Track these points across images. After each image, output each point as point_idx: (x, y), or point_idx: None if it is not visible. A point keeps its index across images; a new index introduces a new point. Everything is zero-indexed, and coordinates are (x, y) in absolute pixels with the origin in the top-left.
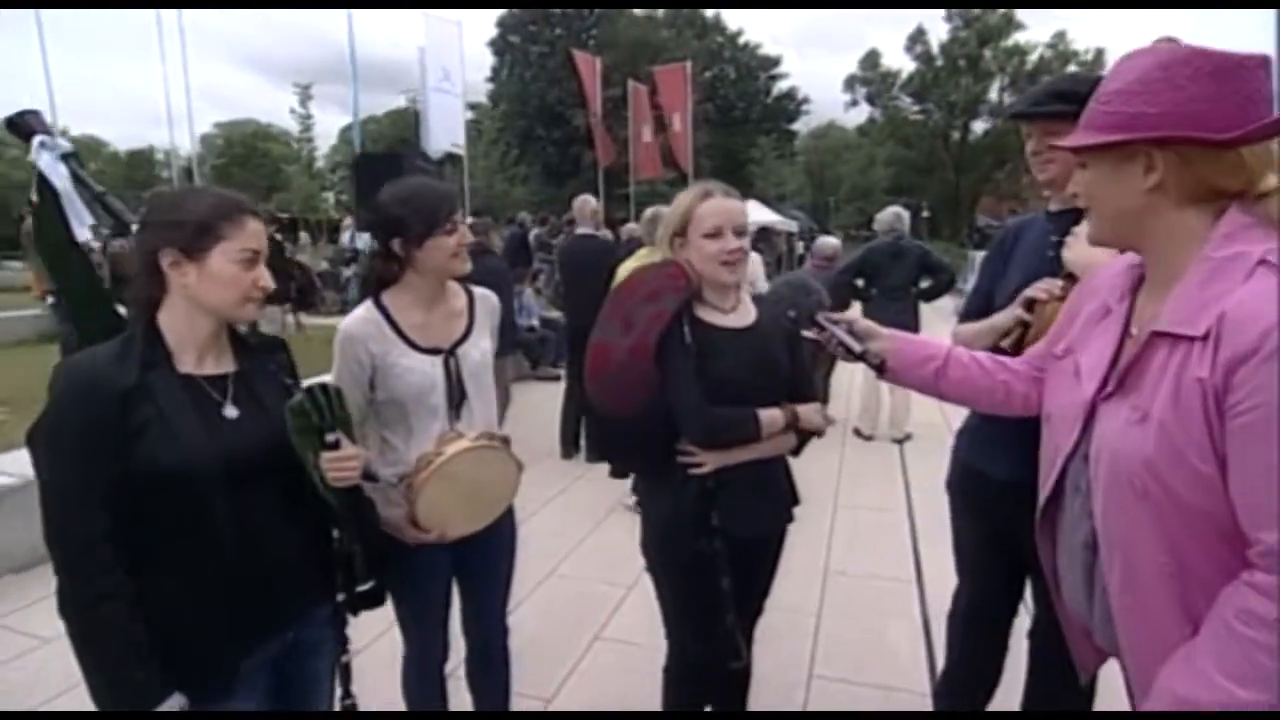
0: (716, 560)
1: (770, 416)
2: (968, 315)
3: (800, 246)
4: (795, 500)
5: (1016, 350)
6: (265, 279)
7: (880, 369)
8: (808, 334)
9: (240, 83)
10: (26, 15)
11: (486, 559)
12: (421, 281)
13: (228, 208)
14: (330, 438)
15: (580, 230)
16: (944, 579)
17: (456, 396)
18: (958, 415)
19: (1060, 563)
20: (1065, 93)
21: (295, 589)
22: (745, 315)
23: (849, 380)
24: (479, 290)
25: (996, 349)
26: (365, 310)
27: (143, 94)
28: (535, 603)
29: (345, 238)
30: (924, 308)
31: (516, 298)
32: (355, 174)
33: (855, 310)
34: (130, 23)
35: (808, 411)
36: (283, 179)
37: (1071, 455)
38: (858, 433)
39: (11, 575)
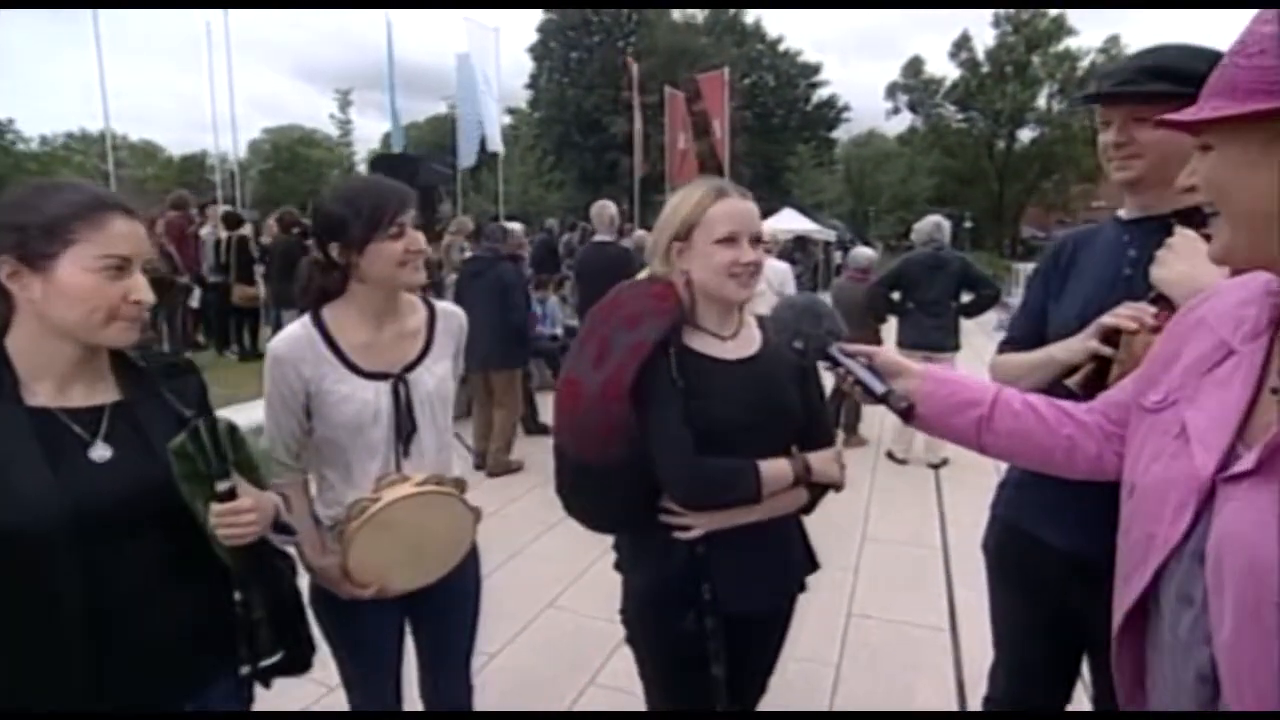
0: (708, 643)
1: (775, 470)
2: (1013, 343)
3: (838, 256)
4: (812, 564)
5: (1088, 393)
6: (139, 292)
7: (907, 414)
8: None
9: (289, 91)
10: (85, 27)
11: (444, 612)
12: (367, 294)
13: (83, 205)
14: (221, 486)
15: (598, 238)
16: (982, 630)
17: (405, 429)
18: None
19: (1153, 690)
20: (1166, 69)
21: (180, 666)
22: (747, 343)
23: None
24: (443, 306)
25: (1055, 389)
26: (299, 327)
27: (195, 100)
28: (531, 636)
29: None
30: (965, 323)
31: (541, 305)
32: (371, 174)
33: (891, 326)
34: (182, 31)
35: (822, 462)
36: (325, 184)
37: (1176, 551)
38: (890, 456)
39: None
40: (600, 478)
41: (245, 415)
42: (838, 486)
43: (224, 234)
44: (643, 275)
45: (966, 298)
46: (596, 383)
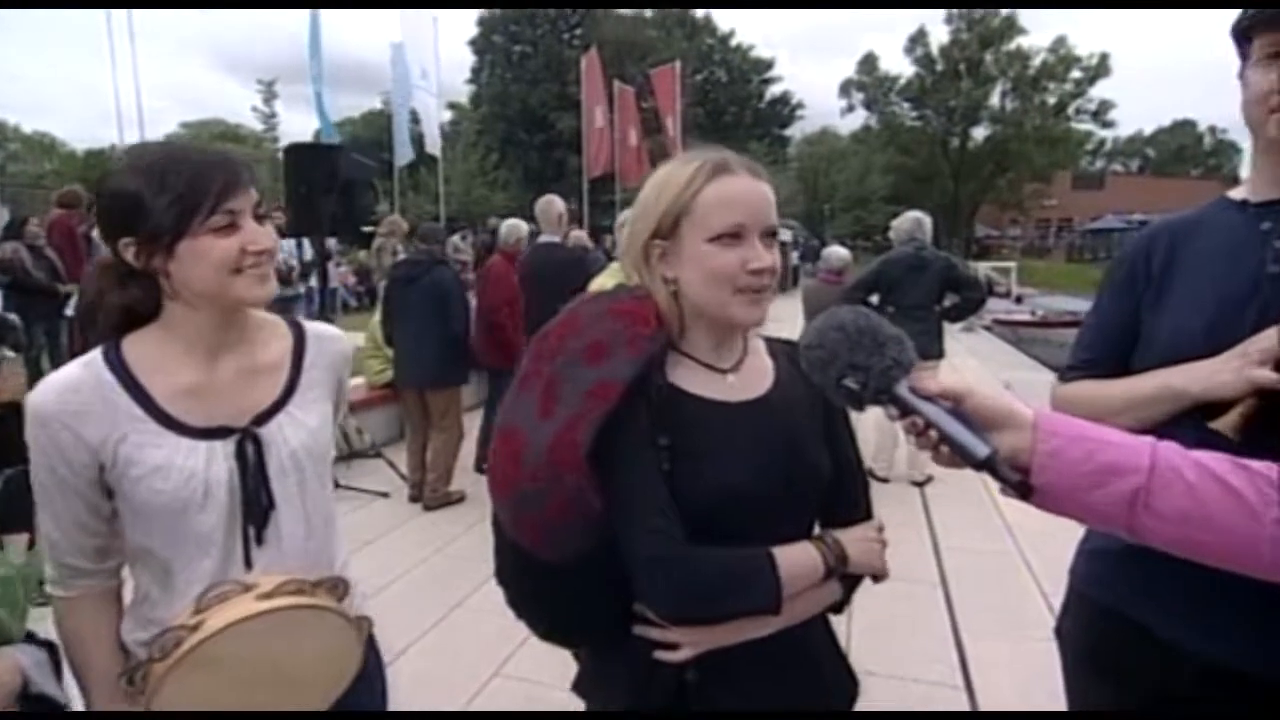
0: None
1: (798, 562)
2: (1088, 367)
3: (794, 257)
4: (852, 680)
5: (1250, 442)
6: None
7: (1023, 488)
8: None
9: (210, 83)
10: None
11: None
12: (190, 316)
13: None
14: None
15: (544, 238)
16: (998, 685)
17: (256, 507)
18: None
19: None
20: None
21: None
22: (755, 377)
23: None
24: (316, 329)
25: (1180, 432)
26: (79, 368)
27: (99, 90)
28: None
29: None
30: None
31: None
32: (285, 168)
33: None
34: (81, 15)
35: (861, 545)
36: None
37: None
38: (871, 474)
39: None
40: (549, 574)
41: None
42: (878, 576)
43: None
44: (601, 280)
45: (949, 300)
46: (543, 438)
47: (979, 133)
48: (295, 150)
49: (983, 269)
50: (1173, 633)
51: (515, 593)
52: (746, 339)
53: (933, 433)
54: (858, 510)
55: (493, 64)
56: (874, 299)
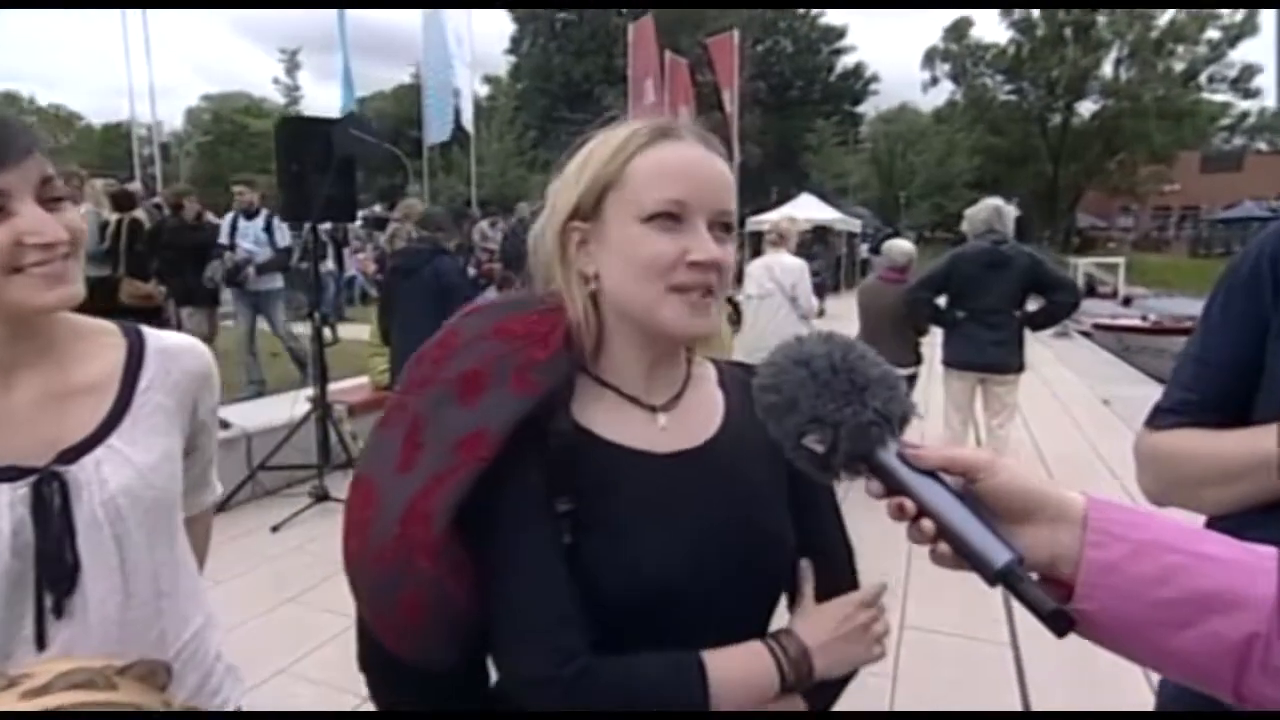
0: None
1: (738, 670)
2: (1191, 411)
3: (863, 250)
4: None
5: None
6: None
7: (1060, 619)
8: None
9: (236, 54)
10: None
11: None
12: None
13: None
14: None
15: None
16: None
17: (58, 569)
18: (1085, 476)
19: None
20: None
21: None
22: (698, 418)
23: (923, 403)
24: (162, 339)
25: None
26: None
27: (113, 63)
28: None
29: (225, 226)
30: (1030, 338)
31: None
32: (275, 144)
33: (934, 340)
34: None
35: (833, 641)
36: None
37: None
38: None
39: None
40: (409, 677)
41: None
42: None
43: (111, 216)
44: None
45: (1034, 305)
46: (398, 504)
47: (1085, 107)
48: (286, 124)
49: (1083, 265)
50: None
51: (375, 684)
52: (690, 364)
53: (927, 523)
54: (836, 584)
55: (535, 33)
56: (942, 300)
